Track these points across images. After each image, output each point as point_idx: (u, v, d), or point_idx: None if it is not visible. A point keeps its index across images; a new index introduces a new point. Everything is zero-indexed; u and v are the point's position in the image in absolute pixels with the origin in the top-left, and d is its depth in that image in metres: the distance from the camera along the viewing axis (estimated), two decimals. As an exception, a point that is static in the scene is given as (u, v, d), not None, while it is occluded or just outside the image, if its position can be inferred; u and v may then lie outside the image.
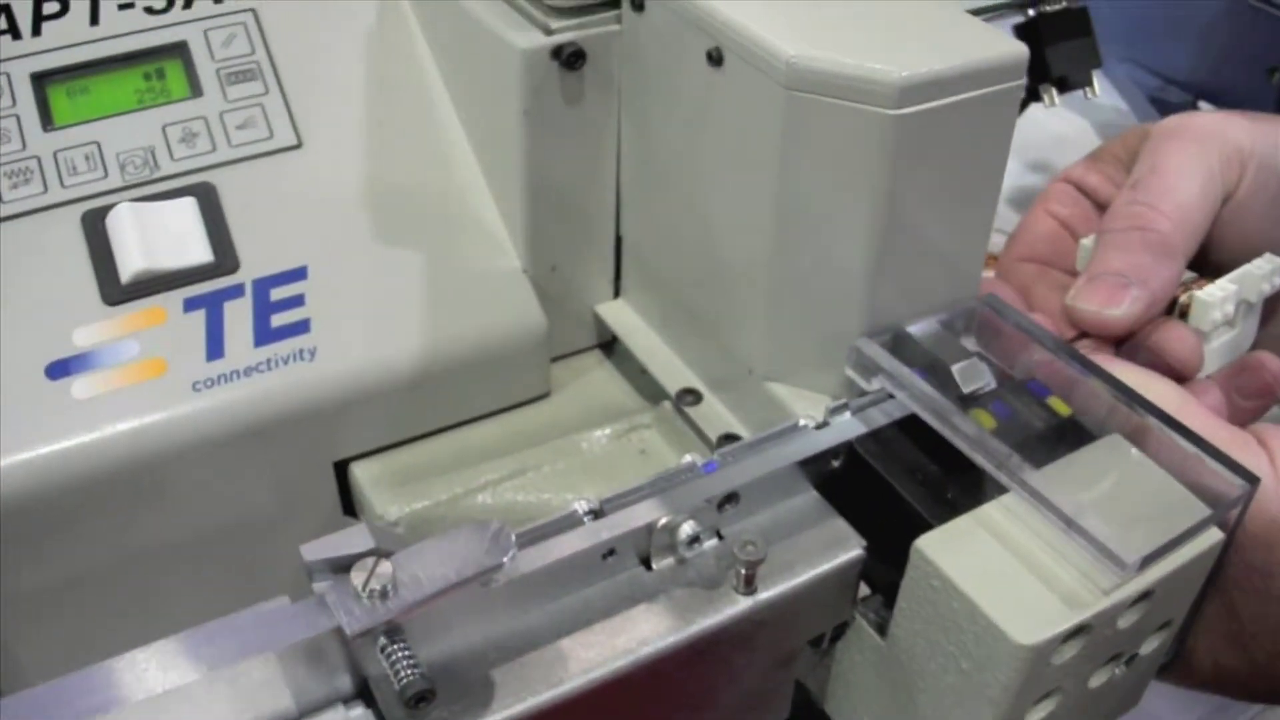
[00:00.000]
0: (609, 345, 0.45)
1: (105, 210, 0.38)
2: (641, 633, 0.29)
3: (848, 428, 0.32)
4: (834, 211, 0.32)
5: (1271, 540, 0.31)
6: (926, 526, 0.29)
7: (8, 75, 0.40)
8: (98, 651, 0.27)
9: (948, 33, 0.32)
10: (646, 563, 0.30)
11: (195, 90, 0.41)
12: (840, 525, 0.32)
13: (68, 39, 0.41)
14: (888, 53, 0.31)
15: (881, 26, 0.33)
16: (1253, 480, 0.29)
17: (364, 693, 0.28)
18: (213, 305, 0.38)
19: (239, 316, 0.38)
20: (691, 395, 0.40)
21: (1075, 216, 0.43)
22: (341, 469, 0.40)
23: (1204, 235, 0.39)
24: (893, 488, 0.31)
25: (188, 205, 0.39)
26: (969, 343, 0.35)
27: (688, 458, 0.31)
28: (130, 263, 0.37)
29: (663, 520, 0.29)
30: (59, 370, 0.36)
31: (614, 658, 0.28)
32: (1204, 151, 0.39)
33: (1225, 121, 0.40)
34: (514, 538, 0.27)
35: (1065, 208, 0.43)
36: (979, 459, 0.30)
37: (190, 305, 0.38)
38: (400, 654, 0.26)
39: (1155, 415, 0.31)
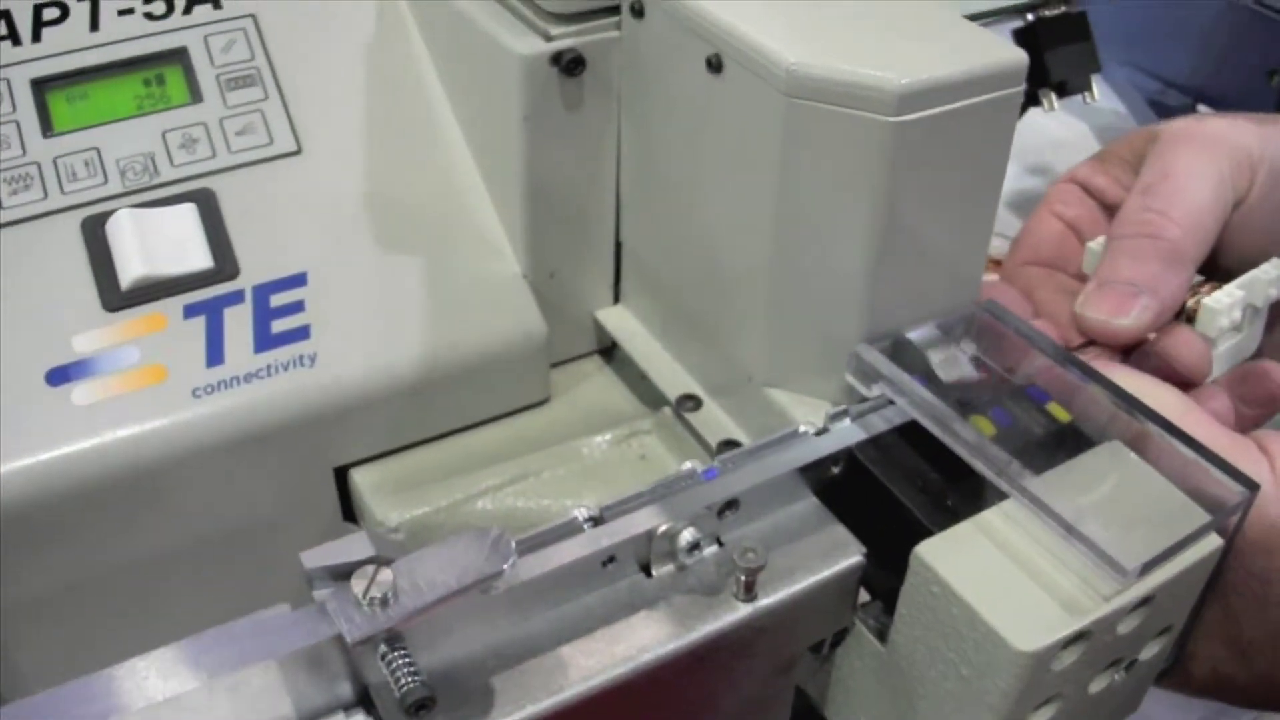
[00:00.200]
0: (609, 351, 0.45)
1: (105, 216, 0.39)
2: (642, 640, 0.29)
3: (848, 434, 0.32)
4: (834, 217, 0.33)
5: (1271, 546, 0.31)
6: (926, 533, 0.29)
7: (8, 81, 0.40)
8: (98, 658, 0.27)
9: (947, 39, 0.33)
10: (647, 569, 0.30)
11: (195, 96, 0.41)
12: (840, 532, 0.32)
13: (68, 45, 0.41)
14: (887, 60, 0.31)
15: (881, 33, 0.33)
16: (1252, 487, 0.29)
17: (364, 700, 0.28)
18: (213, 311, 0.38)
19: (239, 323, 0.38)
20: (691, 401, 0.40)
21: (1082, 218, 0.43)
22: (342, 475, 0.40)
23: (1214, 240, 0.39)
24: (893, 494, 0.31)
25: (188, 211, 0.39)
26: (969, 348, 0.35)
27: (688, 464, 0.31)
28: (130, 269, 0.37)
29: (663, 527, 0.29)
30: (59, 377, 0.36)
31: (614, 665, 0.28)
32: (1215, 156, 0.39)
33: (1235, 126, 0.40)
34: (514, 545, 0.27)
35: (1071, 209, 0.43)
36: (979, 465, 0.30)
37: (190, 311, 0.38)
38: (401, 661, 0.26)
39: (1155, 421, 0.31)
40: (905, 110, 0.30)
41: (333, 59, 0.43)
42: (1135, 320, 0.36)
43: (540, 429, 0.41)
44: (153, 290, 0.38)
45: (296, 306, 0.38)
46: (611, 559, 0.29)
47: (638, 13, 0.36)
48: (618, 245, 0.42)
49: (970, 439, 0.31)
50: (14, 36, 0.41)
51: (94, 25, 0.42)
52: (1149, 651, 0.31)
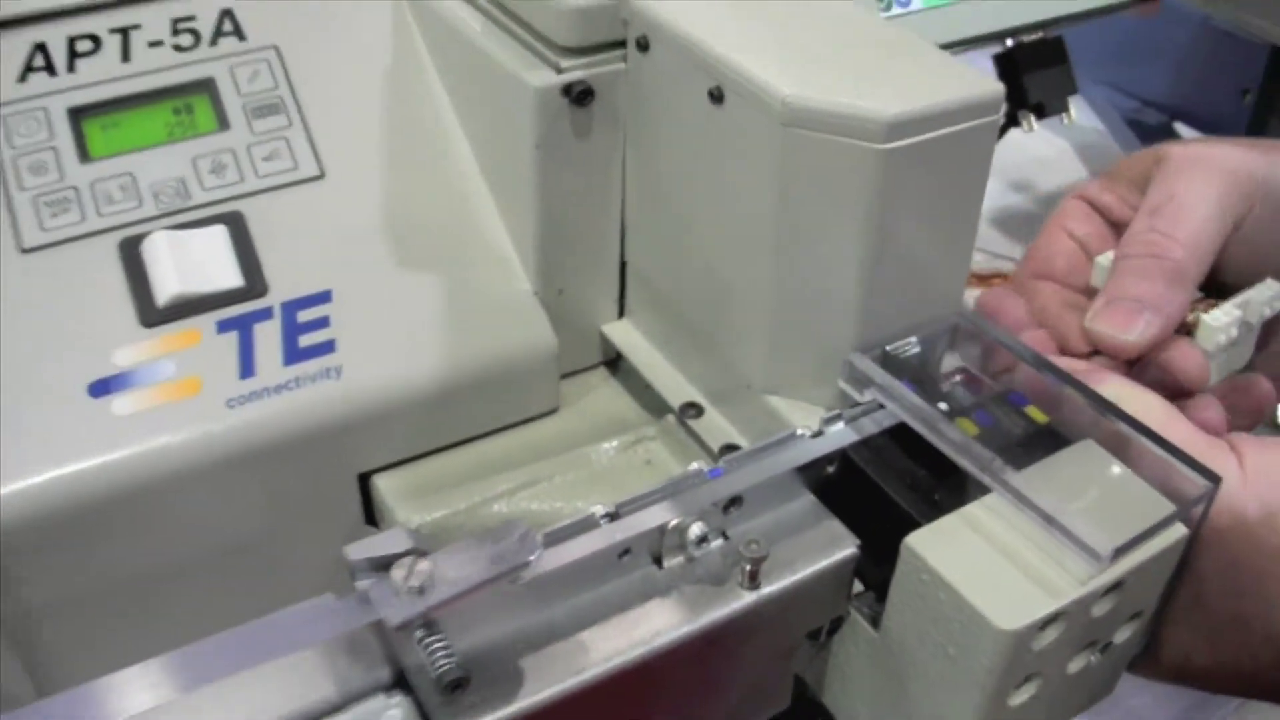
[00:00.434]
0: (613, 363, 0.48)
1: (140, 238, 0.41)
2: (655, 625, 0.32)
3: (841, 436, 0.35)
4: (828, 237, 0.36)
5: (1238, 537, 0.33)
6: (915, 525, 0.32)
7: (46, 110, 0.43)
8: (131, 654, 0.30)
9: (930, 72, 0.36)
10: (658, 561, 0.33)
11: (223, 124, 0.44)
12: (835, 526, 0.35)
13: (101, 75, 0.44)
14: (876, 92, 0.34)
15: (869, 67, 0.36)
16: (1215, 480, 0.32)
17: (401, 683, 0.31)
18: (244, 327, 0.41)
19: (269, 337, 0.41)
20: (694, 409, 0.43)
21: (1090, 234, 0.45)
22: (364, 481, 0.42)
23: (1214, 259, 0.42)
24: (884, 490, 0.34)
25: (218, 233, 0.42)
26: (953, 357, 0.38)
27: (694, 465, 0.34)
28: (166, 287, 0.40)
29: (673, 522, 0.32)
30: (100, 389, 0.39)
31: (630, 648, 0.31)
32: (1217, 181, 0.42)
33: (1238, 153, 0.43)
34: (540, 538, 0.30)
35: (1080, 226, 0.45)
36: (964, 462, 0.33)
37: (223, 327, 0.40)
38: (437, 645, 0.29)
39: (1126, 422, 0.34)
40: (893, 138, 0.33)
41: (351, 88, 0.46)
42: (1140, 335, 0.39)
43: (551, 437, 0.44)
44: (187, 307, 0.40)
45: (322, 322, 0.41)
46: (626, 551, 0.32)
47: (643, 47, 0.39)
48: (622, 264, 0.45)
49: (956, 439, 0.33)
50: (50, 68, 0.44)
51: (125, 57, 0.45)
52: (1122, 635, 0.34)
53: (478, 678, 0.30)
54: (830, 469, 0.35)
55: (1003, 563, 0.31)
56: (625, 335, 0.46)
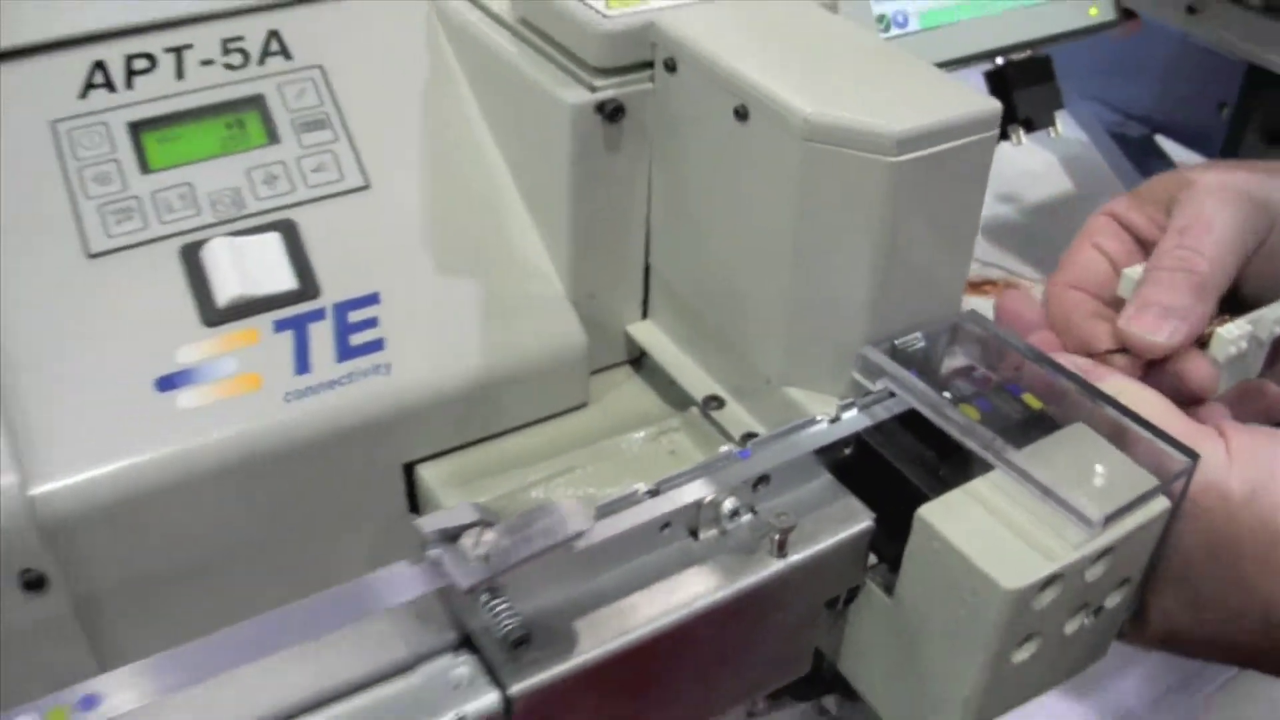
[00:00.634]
0: (637, 361, 0.52)
1: (200, 244, 0.45)
2: (693, 590, 0.36)
3: (856, 421, 0.40)
4: (842, 242, 0.40)
5: (1223, 515, 0.38)
6: (925, 499, 0.36)
7: (106, 124, 0.47)
8: (190, 632, 0.33)
9: (933, 91, 0.40)
10: (694, 533, 0.37)
11: (273, 138, 0.48)
12: (853, 502, 0.39)
13: (158, 92, 0.48)
14: (886, 109, 0.38)
15: (878, 86, 0.40)
16: (1194, 457, 0.36)
17: (466, 645, 0.34)
18: (299, 326, 0.44)
19: (322, 336, 0.44)
20: (715, 401, 0.47)
21: (1117, 249, 0.49)
22: (408, 471, 0.46)
23: (1235, 276, 0.46)
24: (896, 469, 0.38)
25: (273, 239, 0.46)
26: (955, 350, 0.42)
27: (725, 447, 0.38)
28: (226, 289, 0.44)
29: (708, 497, 0.36)
30: (166, 384, 0.43)
31: (671, 611, 0.35)
32: (1239, 205, 0.46)
33: (1257, 179, 0.47)
34: (593, 510, 0.34)
35: (1108, 241, 0.50)
36: (969, 443, 0.37)
37: (279, 326, 0.44)
38: (501, 607, 0.33)
39: (1114, 407, 0.38)
40: (902, 152, 0.37)
41: (391, 104, 0.50)
42: (1168, 339, 0.44)
43: (581, 429, 0.48)
44: (246, 308, 0.44)
45: (371, 322, 0.45)
46: (667, 524, 0.36)
47: (670, 68, 0.43)
48: (646, 268, 0.50)
49: (960, 422, 0.38)
50: (110, 85, 0.48)
51: (179, 74, 0.48)
52: (1113, 600, 0.38)
53: (536, 638, 0.34)
54: (847, 451, 0.39)
55: (1005, 531, 0.35)
56: (649, 335, 0.50)
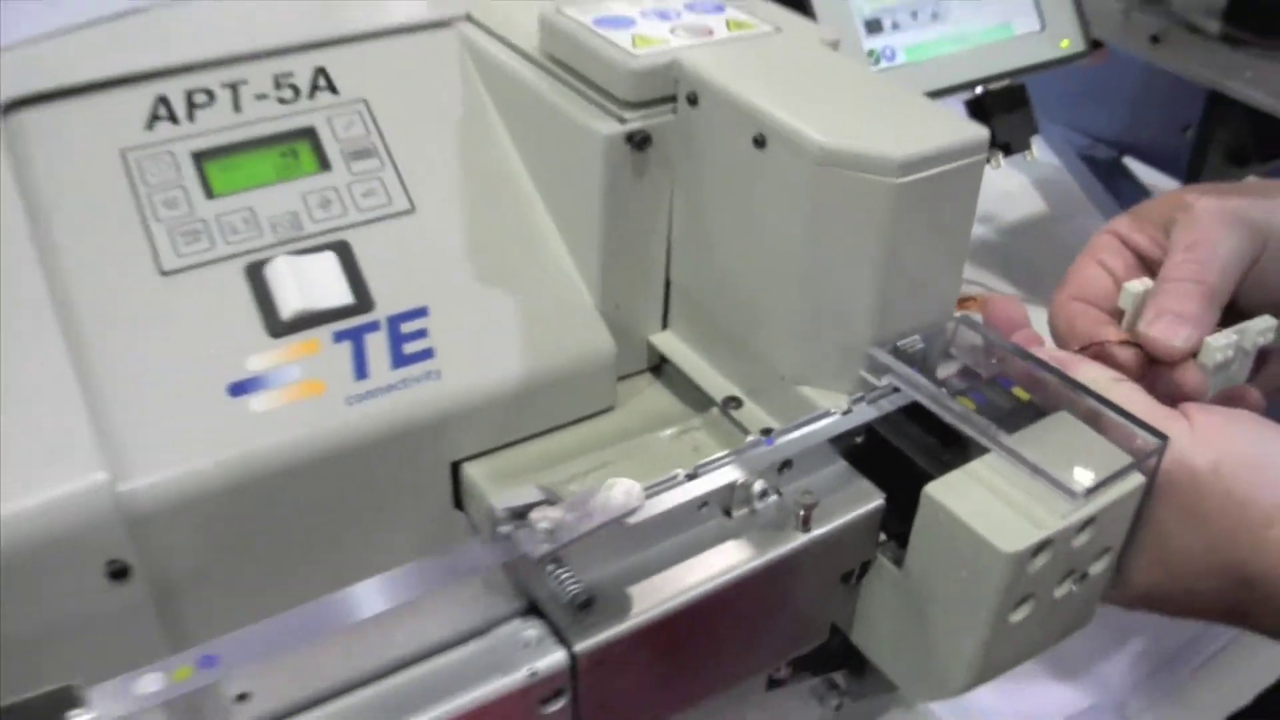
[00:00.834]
0: (657, 368, 0.58)
1: (263, 262, 0.50)
2: (729, 561, 0.41)
3: (866, 413, 0.45)
4: (851, 254, 0.46)
5: (1190, 486, 0.44)
6: (929, 480, 0.42)
7: (172, 153, 0.52)
8: (256, 617, 0.38)
9: (930, 120, 0.46)
10: (728, 512, 0.42)
11: (324, 165, 0.53)
12: (865, 484, 0.44)
13: (217, 124, 0.53)
14: (889, 136, 0.44)
15: (881, 116, 0.46)
16: (1164, 438, 0.42)
17: (532, 611, 0.40)
18: (356, 337, 0.50)
19: (378, 346, 0.50)
20: (734, 401, 0.53)
21: (1118, 265, 0.55)
22: (454, 469, 0.52)
23: (1234, 289, 0.52)
24: (903, 454, 0.44)
25: (329, 258, 0.51)
26: (951, 350, 0.48)
27: (751, 437, 0.44)
28: (289, 303, 0.49)
29: (740, 479, 0.42)
30: (238, 389, 0.48)
31: (711, 579, 0.41)
32: (1238, 227, 0.52)
33: (1247, 202, 0.53)
34: (642, 490, 0.39)
35: (1111, 258, 0.55)
36: (966, 430, 0.43)
37: (339, 337, 0.50)
38: (565, 575, 0.38)
39: (1093, 397, 0.44)
40: (905, 174, 0.43)
41: (430, 133, 0.56)
42: (1183, 343, 0.50)
43: (610, 429, 0.54)
44: (308, 320, 0.49)
45: (422, 333, 0.50)
46: (705, 504, 0.42)
47: (692, 101, 0.49)
48: (666, 282, 0.55)
49: (959, 412, 0.44)
50: (173, 117, 0.53)
51: (236, 108, 0.54)
52: (1096, 567, 0.44)
53: (596, 602, 0.39)
54: (858, 440, 0.45)
55: (1001, 504, 0.41)
56: (669, 343, 0.56)
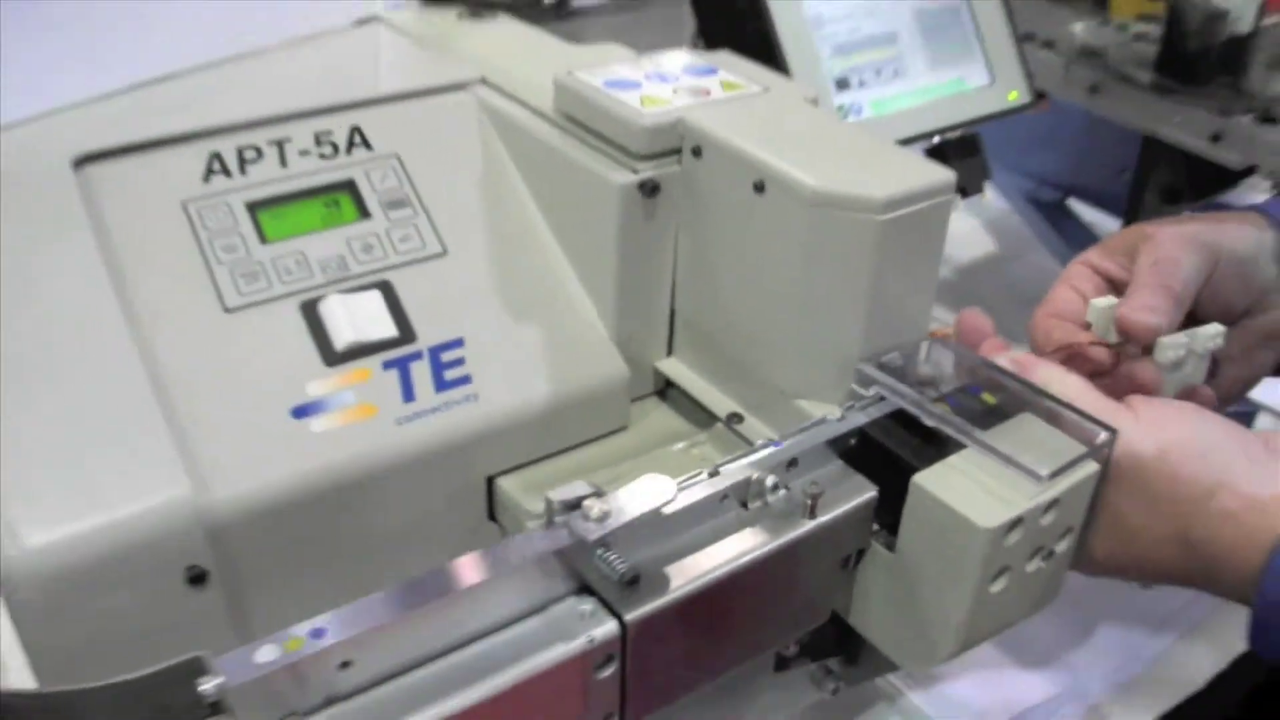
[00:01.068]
0: (662, 392, 0.66)
1: (316, 300, 0.58)
2: (747, 545, 0.49)
3: (858, 418, 0.54)
4: (842, 282, 0.55)
5: (1138, 470, 0.52)
6: (915, 472, 0.51)
7: (228, 203, 0.60)
8: (313, 614, 0.46)
9: (905, 165, 0.55)
10: (744, 504, 0.50)
11: (364, 214, 0.61)
12: (860, 479, 0.53)
13: (266, 177, 0.61)
14: (871, 180, 0.53)
15: (863, 162, 0.55)
16: (1113, 432, 0.51)
17: (583, 590, 0.47)
18: (403, 365, 0.57)
19: (422, 373, 0.57)
20: (737, 417, 0.61)
21: (1090, 289, 0.64)
22: (489, 482, 0.59)
23: (1193, 301, 0.62)
24: (892, 452, 0.53)
25: (375, 296, 0.59)
26: (928, 364, 0.57)
27: (761, 441, 0.52)
28: (343, 336, 0.57)
29: (755, 475, 0.50)
30: (301, 412, 0.55)
31: (733, 560, 0.48)
32: (1194, 248, 0.62)
33: (1199, 227, 0.63)
34: (675, 484, 0.47)
35: (1083, 283, 0.65)
36: (947, 429, 0.52)
37: (387, 365, 0.57)
38: (613, 556, 0.46)
39: (1051, 400, 0.53)
40: (886, 212, 0.53)
41: (456, 184, 0.64)
42: (1154, 322, 0.58)
43: (625, 446, 0.62)
44: (359, 351, 0.57)
45: (460, 361, 0.58)
46: (725, 496, 0.50)
47: (696, 153, 0.58)
48: (671, 314, 0.64)
49: (938, 414, 0.52)
50: (226, 171, 0.61)
51: (283, 163, 0.62)
52: (1061, 546, 0.53)
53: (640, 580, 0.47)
54: (852, 442, 0.54)
55: (979, 489, 0.49)
56: (675, 368, 0.64)
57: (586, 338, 0.62)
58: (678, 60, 0.66)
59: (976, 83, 0.87)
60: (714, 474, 0.50)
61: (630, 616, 0.46)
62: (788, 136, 0.57)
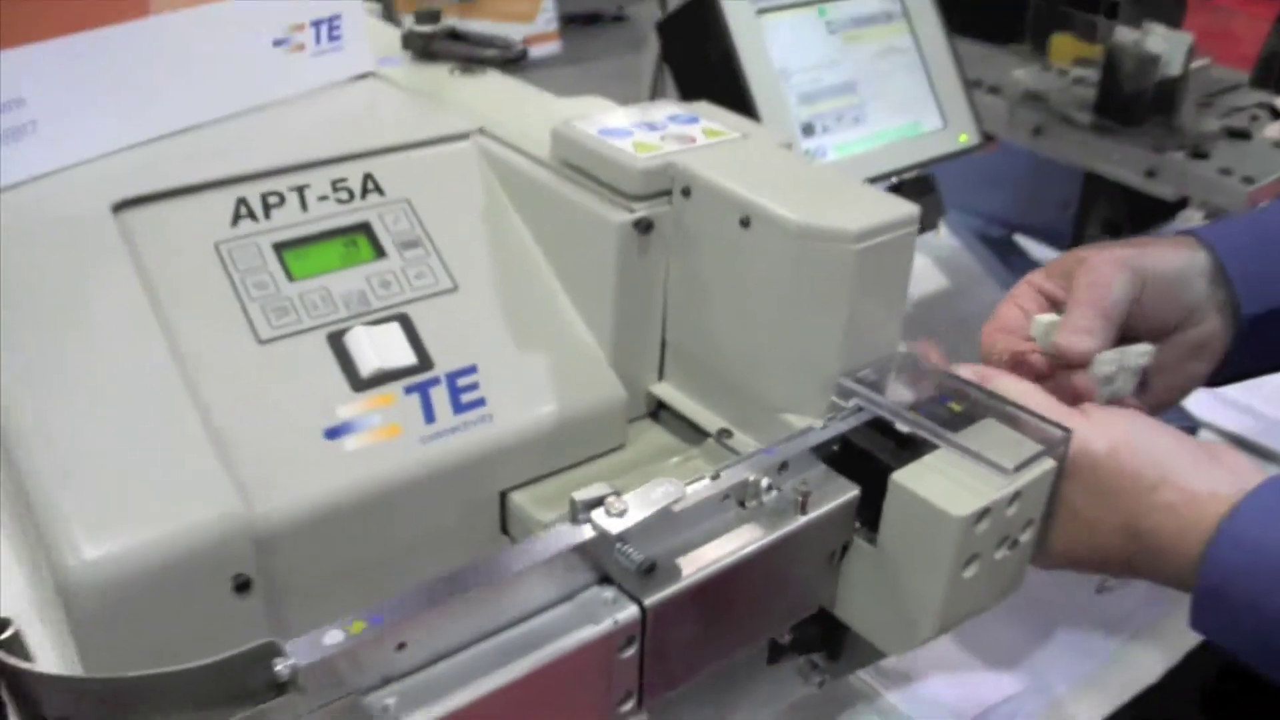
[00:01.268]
0: (654, 414, 0.74)
1: (341, 331, 0.65)
2: (747, 539, 0.57)
3: (840, 426, 0.62)
4: (823, 306, 0.63)
5: (1092, 468, 0.61)
6: (892, 472, 0.59)
7: (257, 245, 0.67)
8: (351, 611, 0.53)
9: (873, 201, 0.64)
10: (742, 503, 0.58)
11: (380, 253, 0.69)
12: (843, 480, 0.61)
13: (289, 220, 0.68)
14: (846, 214, 0.62)
15: (837, 200, 0.64)
16: (1068, 432, 0.60)
17: (604, 581, 0.54)
18: (423, 390, 0.65)
19: (440, 397, 0.65)
20: (726, 433, 0.69)
21: (1032, 307, 0.74)
22: (502, 497, 0.66)
23: (1123, 320, 0.71)
24: (871, 455, 0.61)
25: (395, 328, 0.66)
26: (899, 378, 0.66)
27: (754, 448, 0.60)
28: (368, 364, 0.64)
29: (751, 478, 0.58)
30: (333, 433, 0.62)
31: (733, 552, 0.56)
32: (1124, 271, 0.71)
33: (1128, 252, 0.72)
34: (684, 485, 0.55)
35: (1027, 302, 0.74)
36: (921, 433, 0.60)
37: (408, 390, 0.64)
38: (630, 549, 0.53)
39: (1010, 405, 0.62)
40: (861, 241, 0.61)
41: (462, 226, 0.72)
42: (1085, 348, 0.68)
43: (624, 461, 0.69)
44: (383, 377, 0.64)
45: (474, 386, 0.66)
46: (726, 496, 0.57)
47: (686, 193, 0.67)
48: (662, 341, 0.72)
49: (913, 420, 0.61)
50: (253, 215, 0.68)
51: (303, 207, 0.69)
52: (1024, 536, 0.61)
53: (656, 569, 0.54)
54: (835, 448, 0.62)
55: (951, 484, 0.58)
56: (666, 391, 0.72)
57: (587, 363, 0.69)
58: (663, 110, 0.74)
59: (930, 127, 0.97)
60: (715, 477, 0.58)
61: (649, 601, 0.53)
62: (768, 177, 0.66)
